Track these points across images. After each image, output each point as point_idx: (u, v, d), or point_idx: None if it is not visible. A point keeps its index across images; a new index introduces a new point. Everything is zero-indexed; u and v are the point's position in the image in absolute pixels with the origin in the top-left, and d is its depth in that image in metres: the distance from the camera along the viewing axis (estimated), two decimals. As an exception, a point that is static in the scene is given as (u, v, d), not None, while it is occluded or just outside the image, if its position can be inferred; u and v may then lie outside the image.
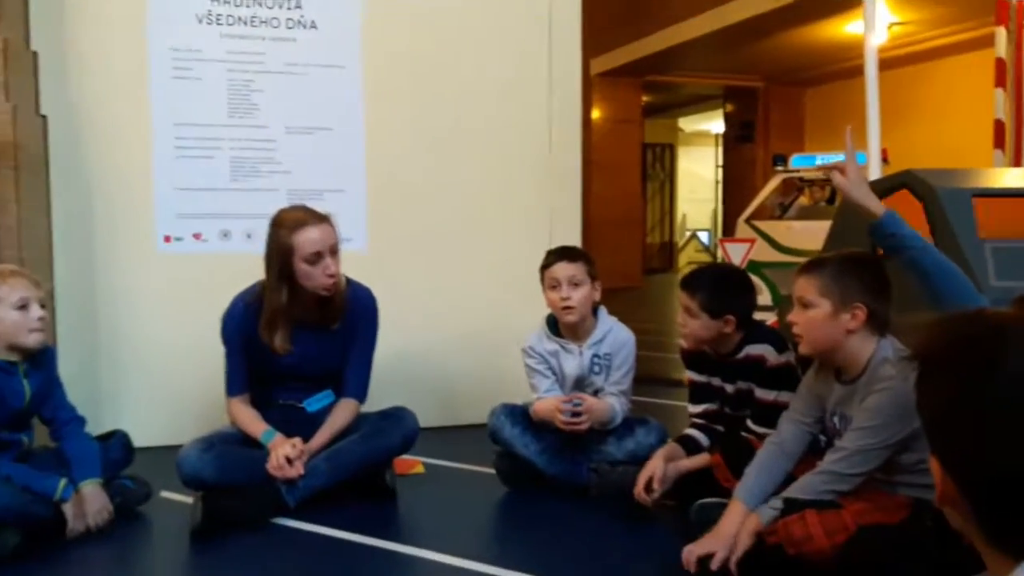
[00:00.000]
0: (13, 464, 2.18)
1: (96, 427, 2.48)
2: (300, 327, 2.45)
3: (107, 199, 3.08)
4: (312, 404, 2.55)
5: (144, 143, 3.10)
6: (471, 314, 3.43)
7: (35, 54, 2.99)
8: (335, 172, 3.28)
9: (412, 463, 2.81)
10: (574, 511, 2.39)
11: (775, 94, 12.44)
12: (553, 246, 2.72)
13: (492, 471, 2.64)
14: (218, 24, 3.15)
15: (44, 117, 3.00)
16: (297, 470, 2.33)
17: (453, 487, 2.68)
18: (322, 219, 2.40)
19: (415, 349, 3.34)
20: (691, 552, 1.86)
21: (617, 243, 10.67)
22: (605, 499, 2.37)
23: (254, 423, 2.46)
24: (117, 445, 2.43)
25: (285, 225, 2.37)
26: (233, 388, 2.51)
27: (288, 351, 2.41)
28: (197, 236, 3.16)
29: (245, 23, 3.17)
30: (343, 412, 2.52)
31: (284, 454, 2.33)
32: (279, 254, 2.36)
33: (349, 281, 2.51)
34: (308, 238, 2.34)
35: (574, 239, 3.42)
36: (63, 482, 2.17)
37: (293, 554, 2.12)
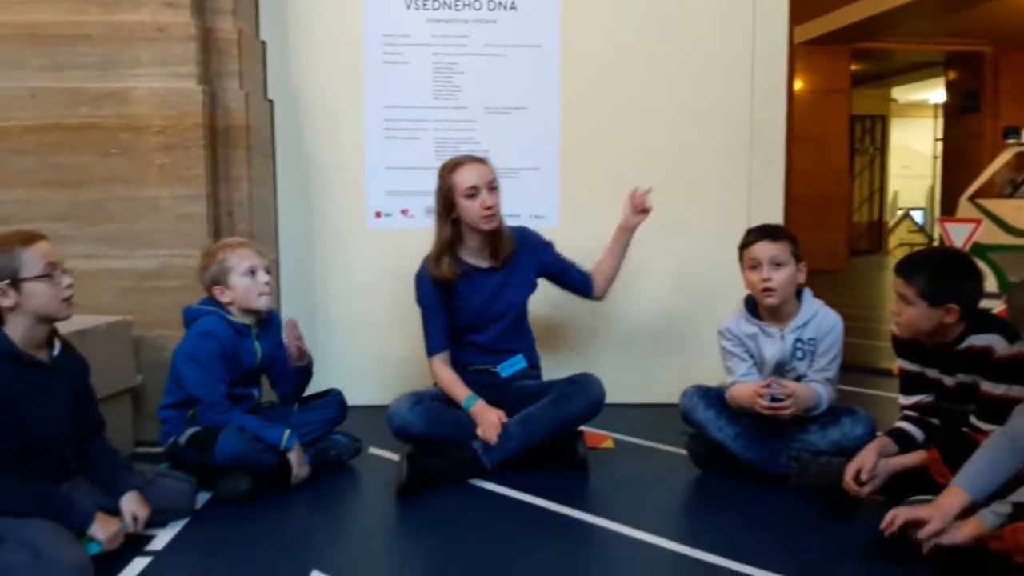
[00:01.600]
0: (245, 415, 2.41)
1: (314, 386, 2.70)
2: (472, 271, 2.62)
3: (325, 177, 3.33)
4: (505, 369, 2.67)
5: (357, 124, 3.31)
6: (664, 292, 3.39)
7: (264, 43, 3.27)
8: (531, 151, 3.34)
9: (603, 437, 2.84)
10: (770, 498, 2.31)
11: (1007, 60, 11.16)
12: (752, 224, 2.62)
13: (684, 452, 2.60)
14: (424, 9, 3.29)
15: (271, 102, 3.29)
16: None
17: (644, 464, 2.67)
18: (478, 160, 2.64)
19: (607, 325, 3.35)
20: (898, 514, 1.76)
21: (821, 221, 10.04)
22: (805, 489, 2.27)
23: (456, 386, 2.60)
24: (332, 402, 2.64)
25: (446, 168, 2.63)
26: (433, 347, 2.66)
27: (455, 276, 2.59)
28: (404, 212, 3.34)
29: (449, 7, 3.29)
30: None
31: (496, 416, 2.47)
32: (443, 194, 2.60)
33: (514, 228, 2.70)
34: (466, 175, 2.57)
35: (775, 217, 3.28)
36: (287, 432, 2.38)
37: (487, 514, 2.22)
